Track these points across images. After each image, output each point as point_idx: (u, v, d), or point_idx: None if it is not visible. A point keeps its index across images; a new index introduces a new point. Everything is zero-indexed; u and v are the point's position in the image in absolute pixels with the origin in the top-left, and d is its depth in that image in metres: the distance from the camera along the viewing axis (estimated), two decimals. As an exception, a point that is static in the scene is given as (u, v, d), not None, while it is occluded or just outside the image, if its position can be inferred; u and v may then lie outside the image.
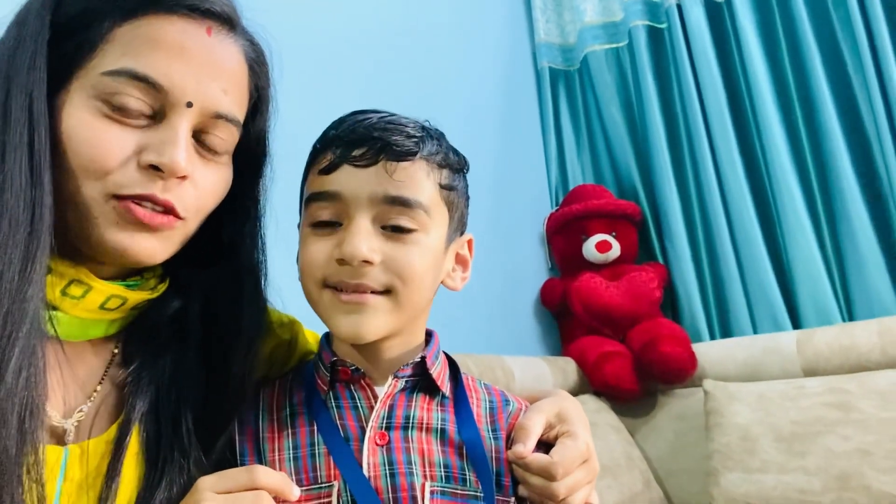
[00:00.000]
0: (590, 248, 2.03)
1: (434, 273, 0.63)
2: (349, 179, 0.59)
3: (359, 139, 0.60)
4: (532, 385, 1.66)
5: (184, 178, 0.54)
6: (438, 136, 0.65)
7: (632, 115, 2.23)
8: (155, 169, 0.52)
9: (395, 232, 0.60)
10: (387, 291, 0.60)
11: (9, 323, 0.47)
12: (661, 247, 2.11)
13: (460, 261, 0.69)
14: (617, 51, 2.29)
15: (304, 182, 0.65)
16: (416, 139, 0.61)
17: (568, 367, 1.85)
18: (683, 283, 2.02)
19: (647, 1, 2.20)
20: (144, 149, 0.53)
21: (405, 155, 0.60)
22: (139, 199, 0.52)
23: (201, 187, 0.56)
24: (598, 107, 2.29)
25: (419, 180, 0.60)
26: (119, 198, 0.52)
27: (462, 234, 0.69)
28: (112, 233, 0.52)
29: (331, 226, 0.61)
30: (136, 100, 0.52)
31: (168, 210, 0.54)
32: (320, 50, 1.47)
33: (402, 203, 0.59)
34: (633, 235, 2.09)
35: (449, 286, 0.68)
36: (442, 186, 0.63)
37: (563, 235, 2.11)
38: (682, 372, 1.77)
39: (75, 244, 0.54)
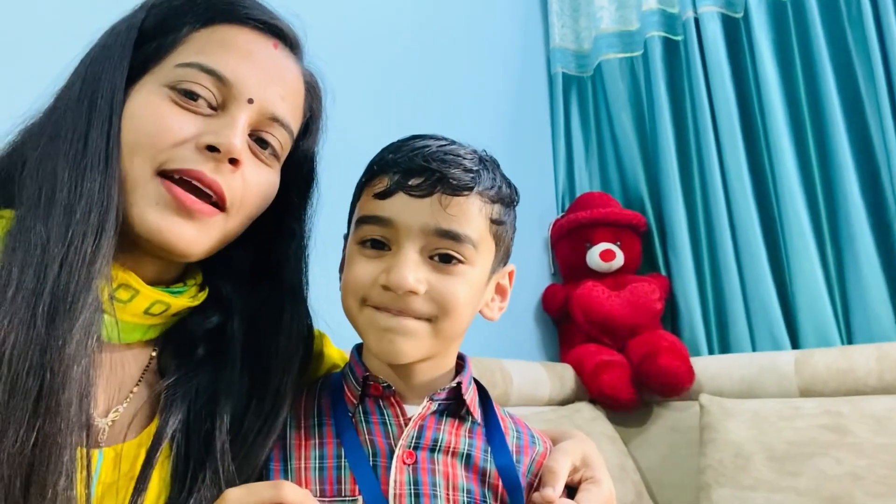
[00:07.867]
0: (593, 257, 2.04)
1: (474, 304, 0.64)
2: (403, 208, 0.60)
3: (417, 168, 0.60)
4: (529, 390, 1.67)
5: (235, 164, 0.56)
6: (494, 169, 0.65)
7: (642, 126, 2.23)
8: (210, 150, 0.55)
9: (441, 262, 0.60)
10: (428, 319, 0.60)
11: (75, 290, 0.49)
12: (665, 258, 2.12)
13: (499, 290, 0.69)
14: (631, 60, 2.28)
15: (357, 199, 0.65)
16: (473, 174, 0.61)
17: (566, 374, 1.85)
18: (685, 296, 2.02)
19: (664, 12, 2.20)
20: (203, 133, 0.55)
21: (461, 189, 0.60)
22: (187, 177, 0.54)
23: (248, 183, 0.58)
24: (610, 115, 2.29)
25: (471, 215, 0.61)
26: (164, 175, 0.54)
27: (505, 264, 0.69)
28: (151, 213, 0.54)
29: (379, 246, 0.61)
30: (202, 89, 0.56)
31: (213, 195, 0.56)
32: (331, 53, 1.46)
33: (452, 237, 0.60)
34: (637, 246, 2.09)
35: (486, 315, 0.68)
36: (492, 221, 0.63)
37: (567, 242, 2.11)
38: (679, 385, 1.78)
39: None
